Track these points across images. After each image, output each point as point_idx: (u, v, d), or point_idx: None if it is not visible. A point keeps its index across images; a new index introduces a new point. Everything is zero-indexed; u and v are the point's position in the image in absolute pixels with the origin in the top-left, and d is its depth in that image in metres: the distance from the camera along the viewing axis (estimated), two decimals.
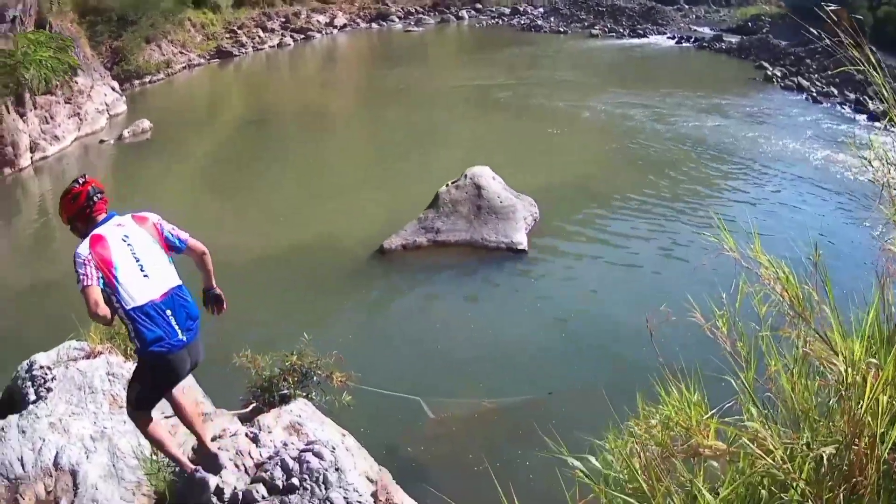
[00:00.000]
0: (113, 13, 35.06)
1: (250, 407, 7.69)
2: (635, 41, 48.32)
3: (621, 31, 51.82)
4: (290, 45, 45.54)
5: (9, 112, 26.65)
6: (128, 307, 4.51)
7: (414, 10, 57.30)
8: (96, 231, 4.71)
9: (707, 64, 40.93)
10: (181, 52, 41.02)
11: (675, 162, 22.23)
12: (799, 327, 2.92)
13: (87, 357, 8.02)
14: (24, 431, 6.92)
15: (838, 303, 2.92)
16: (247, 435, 6.95)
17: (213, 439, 6.30)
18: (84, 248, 4.57)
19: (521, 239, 15.23)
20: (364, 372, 8.40)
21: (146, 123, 30.12)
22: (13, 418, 7.10)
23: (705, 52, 43.33)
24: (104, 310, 4.41)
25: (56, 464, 6.53)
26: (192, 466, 5.55)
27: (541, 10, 62.81)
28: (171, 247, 4.96)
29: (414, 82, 35.38)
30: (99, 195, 4.90)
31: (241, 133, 29.93)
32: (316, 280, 14.83)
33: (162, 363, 4.68)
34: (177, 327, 4.65)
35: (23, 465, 6.54)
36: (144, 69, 36.40)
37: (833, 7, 3.32)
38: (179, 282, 4.86)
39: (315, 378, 7.71)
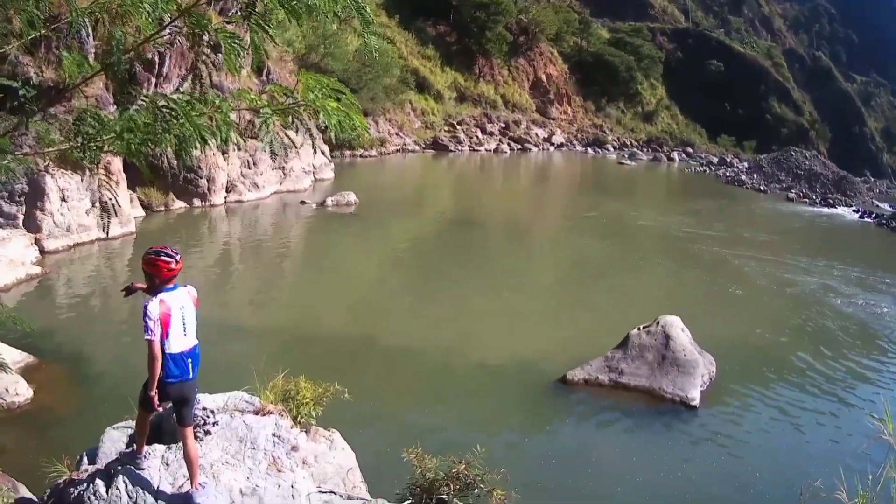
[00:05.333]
0: (335, 76, 36.52)
1: (405, 503, 7.65)
2: (825, 210, 50.47)
3: (814, 197, 54.13)
4: (506, 153, 46.12)
5: (212, 147, 28.29)
6: (167, 351, 6.09)
7: (629, 143, 57.23)
8: (165, 295, 6.13)
9: (887, 243, 41.08)
10: (397, 135, 41.91)
11: (850, 340, 21.29)
12: None
13: (256, 413, 7.92)
14: (167, 464, 6.82)
15: None
16: None
17: None
18: (155, 308, 6.02)
19: (695, 395, 15.04)
20: (525, 495, 8.14)
21: (352, 197, 30.71)
22: (159, 448, 7.01)
23: (884, 230, 44.00)
24: (159, 361, 6.03)
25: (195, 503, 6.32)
26: (143, 453, 6.78)
27: (745, 164, 64.45)
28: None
29: (616, 215, 35.82)
30: (177, 274, 6.29)
31: (443, 230, 30.47)
32: (496, 394, 15.02)
33: (176, 388, 6.27)
34: (191, 369, 6.31)
35: (156, 498, 6.43)
36: (357, 142, 36.99)
37: None
38: (197, 341, 6.44)
39: (476, 491, 7.57)
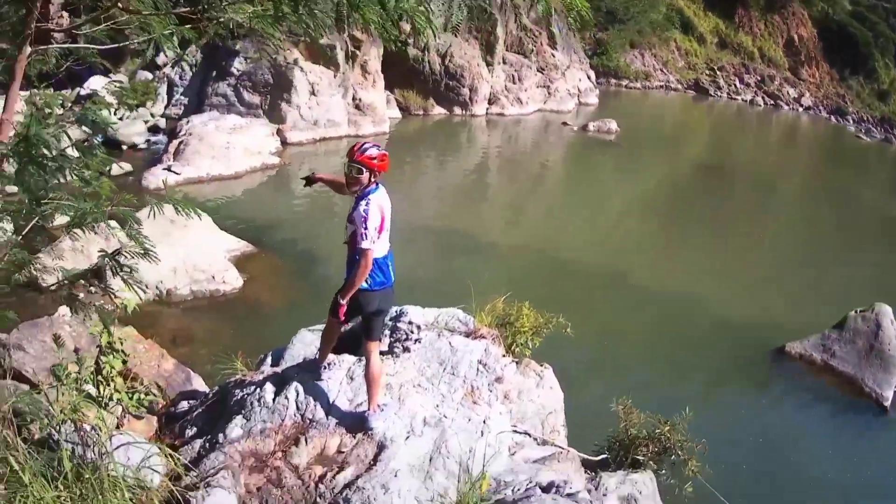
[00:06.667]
0: (603, 4, 35.60)
1: (599, 457, 7.34)
2: None
3: None
4: (759, 105, 44.28)
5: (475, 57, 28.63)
6: (375, 256, 5.54)
7: (867, 118, 52.94)
8: (377, 197, 5.56)
9: None
10: (661, 71, 41.76)
11: None
12: None
13: (467, 335, 7.25)
14: (352, 378, 6.29)
15: None
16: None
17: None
18: (376, 212, 5.48)
19: (888, 395, 14.16)
20: (717, 471, 7.61)
21: (613, 125, 30.17)
22: (349, 359, 6.47)
23: None
24: (369, 270, 5.51)
25: (368, 427, 5.76)
26: (326, 362, 6.36)
27: None
28: None
29: (858, 193, 31.64)
30: None
31: (693, 174, 29.25)
32: (714, 354, 14.37)
33: (381, 296, 5.77)
34: (392, 275, 5.80)
35: (327, 413, 5.95)
36: (623, 72, 37.06)
37: None
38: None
39: (672, 458, 7.31)
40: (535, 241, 18.43)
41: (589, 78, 34.48)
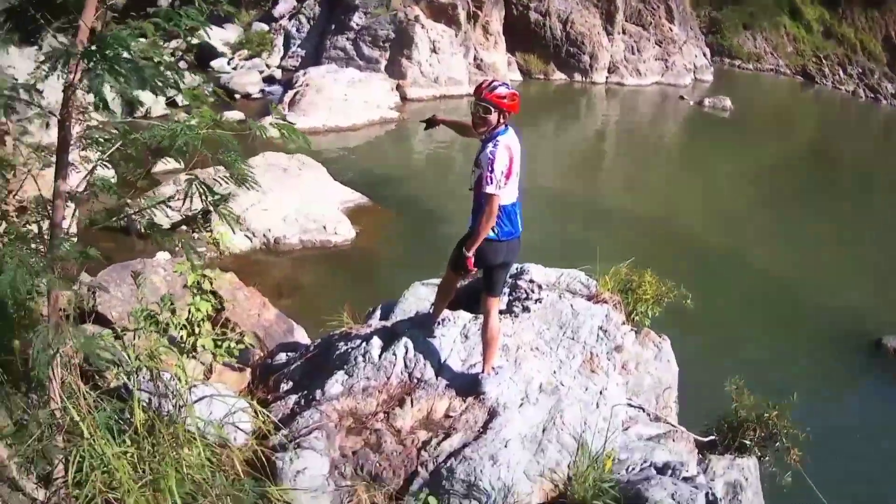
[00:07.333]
0: None
1: (708, 439, 7.07)
2: None
3: None
4: (861, 98, 43.24)
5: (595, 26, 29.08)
6: (502, 203, 5.10)
7: None
8: (507, 139, 5.08)
9: None
10: (772, 55, 41.78)
11: None
12: None
13: (589, 298, 6.72)
14: (466, 336, 5.82)
15: None
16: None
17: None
18: (504, 156, 4.99)
19: None
20: (817, 462, 7.24)
21: (727, 102, 30.08)
22: (465, 316, 5.98)
23: None
24: (495, 217, 5.07)
25: (480, 391, 5.29)
26: (440, 318, 5.94)
27: None
28: None
29: None
30: None
31: (804, 157, 28.70)
32: (811, 340, 13.73)
33: (507, 247, 5.30)
34: (521, 225, 5.34)
35: (437, 373, 5.49)
36: (736, 52, 37.23)
37: None
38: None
39: (777, 444, 7.02)
40: (650, 210, 17.97)
41: (704, 55, 34.57)
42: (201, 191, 4.19)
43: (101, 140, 4.04)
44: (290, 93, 20.58)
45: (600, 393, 5.74)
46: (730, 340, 12.63)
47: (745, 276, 15.39)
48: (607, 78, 30.16)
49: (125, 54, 3.50)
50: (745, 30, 37.62)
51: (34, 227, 3.88)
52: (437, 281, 6.30)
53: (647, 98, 30.76)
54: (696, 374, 9.55)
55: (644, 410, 6.62)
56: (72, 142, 3.67)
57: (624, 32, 30.58)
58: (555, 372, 5.74)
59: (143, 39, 3.87)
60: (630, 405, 6.40)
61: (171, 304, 5.21)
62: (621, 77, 30.37)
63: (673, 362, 7.32)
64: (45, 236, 3.72)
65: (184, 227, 10.79)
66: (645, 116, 29.73)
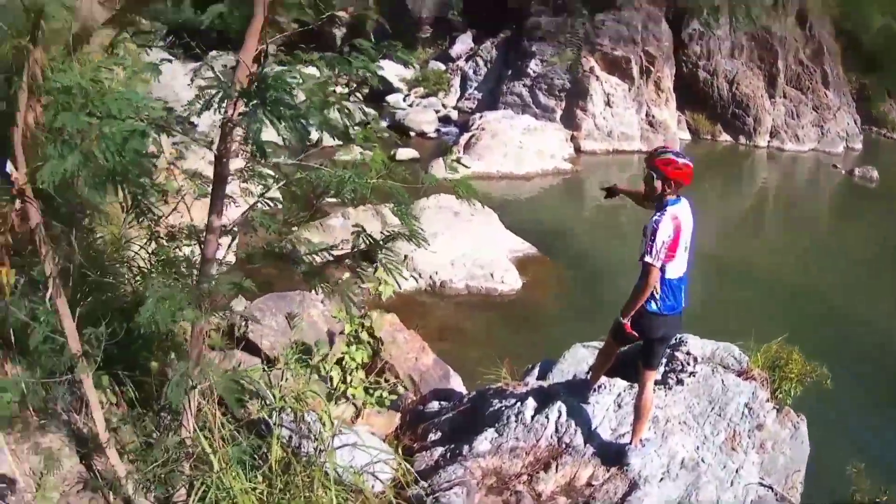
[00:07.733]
0: (862, 47, 34.12)
1: None
2: None
3: None
4: None
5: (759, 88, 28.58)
6: (665, 276, 5.08)
7: None
8: (676, 210, 5.04)
9: None
10: None
11: None
12: None
13: (739, 374, 6.66)
14: (619, 405, 5.85)
15: None
16: None
17: None
18: (668, 226, 4.95)
19: None
20: None
21: (875, 173, 28.84)
22: (620, 384, 6.02)
23: None
24: (651, 289, 5.05)
25: (625, 462, 5.33)
26: (596, 385, 5.97)
27: None
28: None
29: None
30: None
31: None
32: None
33: (664, 322, 5.25)
34: (684, 299, 5.28)
35: (587, 440, 5.52)
36: (882, 120, 35.15)
37: None
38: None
39: None
40: (801, 280, 16.96)
41: (855, 122, 32.71)
42: (367, 242, 4.18)
43: (265, 174, 4.08)
44: (466, 135, 20.93)
45: (737, 471, 5.73)
46: (866, 420, 11.75)
47: (888, 355, 14.05)
48: (769, 142, 29.55)
49: (286, 98, 3.46)
50: (890, 97, 35.30)
51: (185, 251, 3.94)
52: (598, 344, 6.30)
53: (802, 165, 30.00)
54: (825, 454, 9.09)
55: (772, 490, 6.34)
56: (231, 174, 3.70)
57: (784, 96, 29.81)
58: (698, 448, 5.76)
59: (313, 70, 3.85)
60: (761, 484, 6.17)
61: (322, 347, 5.24)
62: (781, 142, 29.64)
63: (806, 443, 6.97)
64: (195, 262, 3.75)
65: (347, 262, 11.03)
66: (800, 183, 29.04)
